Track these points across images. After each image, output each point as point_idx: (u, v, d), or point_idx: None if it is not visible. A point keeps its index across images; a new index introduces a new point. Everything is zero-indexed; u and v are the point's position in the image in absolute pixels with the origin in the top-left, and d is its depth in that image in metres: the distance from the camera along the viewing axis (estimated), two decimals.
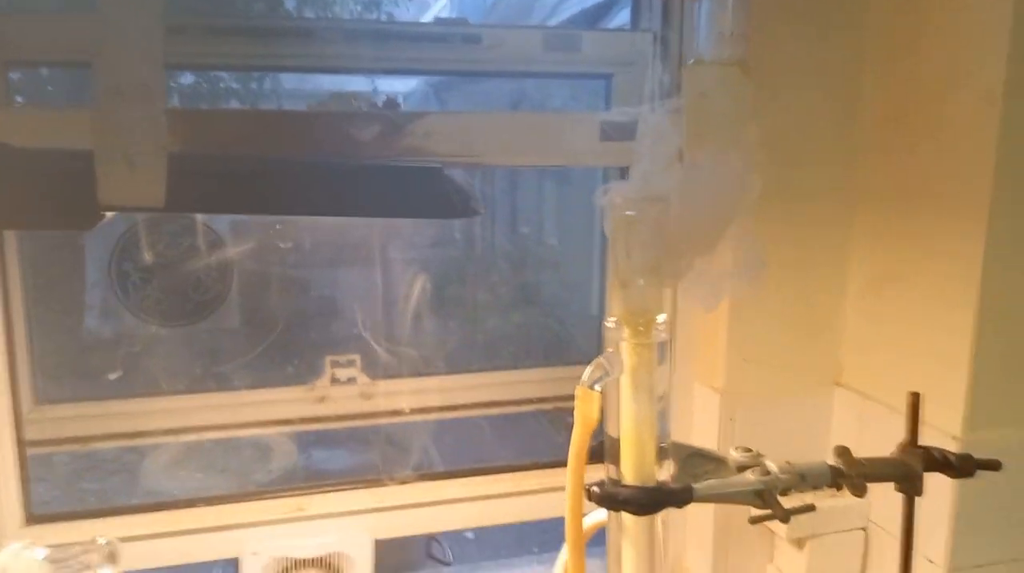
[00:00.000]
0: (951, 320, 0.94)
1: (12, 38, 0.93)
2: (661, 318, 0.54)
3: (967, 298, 0.92)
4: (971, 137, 0.92)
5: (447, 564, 1.81)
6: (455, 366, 1.33)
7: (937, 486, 0.93)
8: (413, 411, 1.26)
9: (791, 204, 1.06)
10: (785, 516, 0.54)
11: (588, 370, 0.53)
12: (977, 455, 0.89)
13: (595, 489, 0.53)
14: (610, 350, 0.55)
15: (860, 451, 0.70)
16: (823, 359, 1.14)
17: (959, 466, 0.60)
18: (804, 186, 1.07)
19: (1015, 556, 0.99)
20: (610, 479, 0.55)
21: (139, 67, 0.80)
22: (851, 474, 0.58)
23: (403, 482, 1.16)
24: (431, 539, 1.79)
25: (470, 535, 2.95)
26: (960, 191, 0.93)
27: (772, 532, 1.11)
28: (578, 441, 0.52)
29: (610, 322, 0.55)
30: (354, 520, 1.11)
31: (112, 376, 1.18)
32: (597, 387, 0.52)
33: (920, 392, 0.61)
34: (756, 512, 0.58)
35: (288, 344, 1.33)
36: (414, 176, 0.93)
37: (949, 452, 0.61)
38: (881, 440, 0.89)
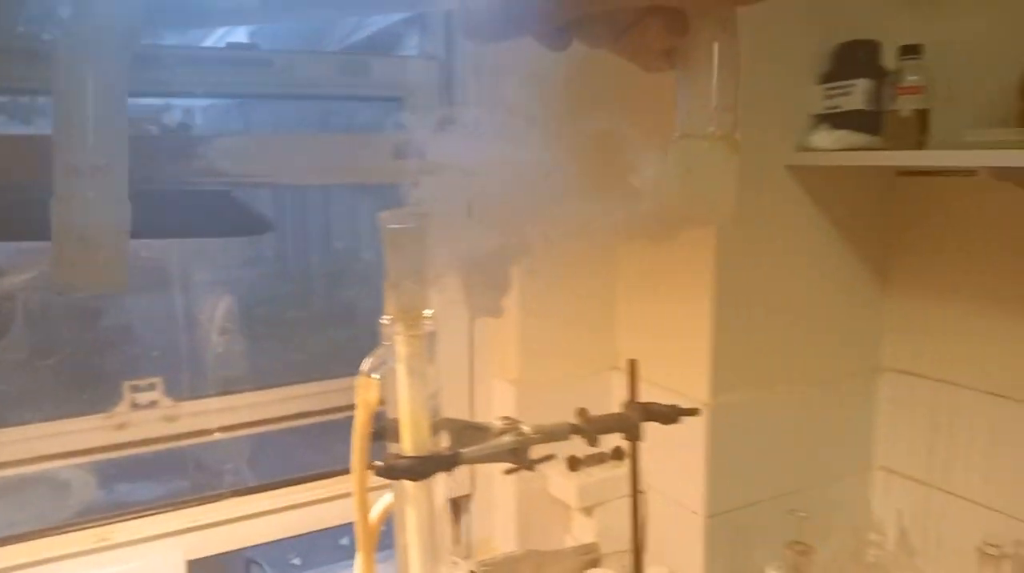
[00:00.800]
0: (695, 310, 1.11)
1: None
2: (428, 313, 0.63)
3: (705, 293, 1.09)
4: None
5: None
6: (269, 385, 1.34)
7: (693, 445, 1.11)
8: (222, 429, 1.26)
9: None
10: (530, 466, 0.65)
11: (367, 361, 0.61)
12: (721, 413, 1.08)
13: (379, 463, 0.61)
14: (386, 343, 0.63)
15: None
16: (602, 348, 1.29)
17: (667, 414, 0.74)
18: None
19: (759, 499, 1.17)
20: (392, 454, 0.63)
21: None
22: (587, 429, 0.69)
23: (213, 500, 1.16)
24: (251, 562, 1.76)
25: (297, 561, 2.88)
26: None
27: (566, 505, 1.24)
28: (360, 422, 0.60)
29: (385, 319, 0.63)
30: (164, 543, 1.09)
31: None
32: (375, 375, 0.60)
33: (638, 359, 0.75)
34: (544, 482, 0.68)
35: (84, 372, 1.28)
36: (204, 198, 0.96)
37: (660, 404, 0.74)
38: None
